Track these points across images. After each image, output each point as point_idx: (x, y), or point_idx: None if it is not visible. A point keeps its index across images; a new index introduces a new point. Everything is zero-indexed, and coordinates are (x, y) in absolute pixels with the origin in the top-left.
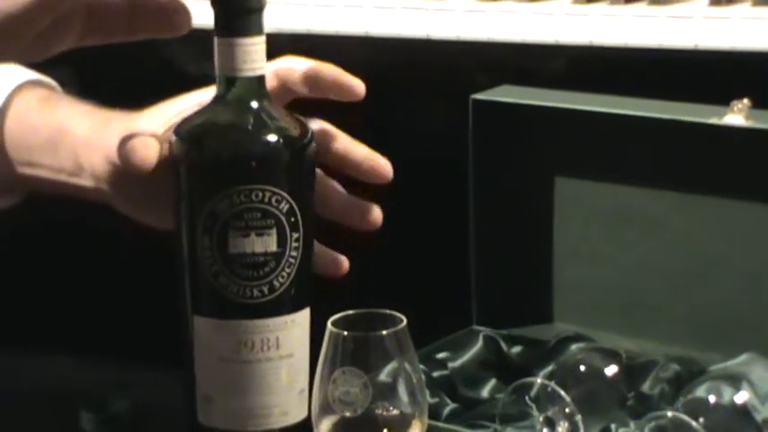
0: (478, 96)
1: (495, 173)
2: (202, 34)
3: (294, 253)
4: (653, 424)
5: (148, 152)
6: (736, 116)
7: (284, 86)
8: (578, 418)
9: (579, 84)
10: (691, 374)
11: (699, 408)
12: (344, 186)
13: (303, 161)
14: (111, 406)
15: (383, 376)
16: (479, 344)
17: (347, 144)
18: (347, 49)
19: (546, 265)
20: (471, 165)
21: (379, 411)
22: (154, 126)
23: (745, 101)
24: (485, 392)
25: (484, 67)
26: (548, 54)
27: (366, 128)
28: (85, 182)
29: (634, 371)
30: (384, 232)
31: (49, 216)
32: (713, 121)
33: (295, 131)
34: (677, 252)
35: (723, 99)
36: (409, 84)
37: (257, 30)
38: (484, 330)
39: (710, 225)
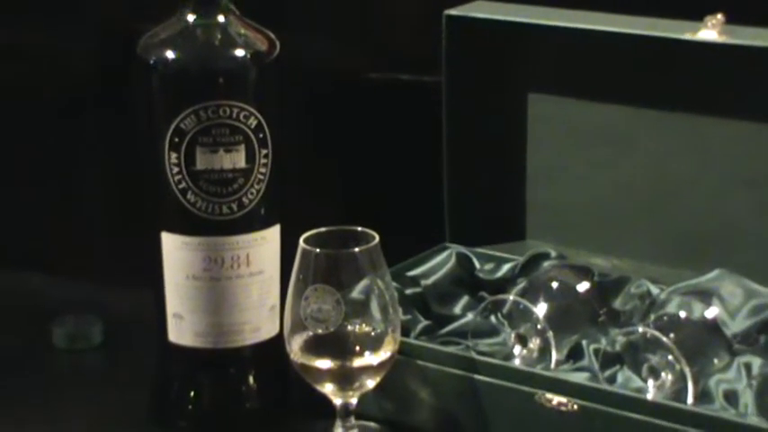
0: (452, 12)
1: (469, 90)
2: None
3: (263, 169)
4: (624, 340)
5: None
6: (710, 31)
7: None
8: (550, 334)
9: (554, 0)
10: (661, 291)
11: (670, 323)
12: None
13: (271, 76)
14: (83, 324)
15: (356, 293)
16: (452, 261)
17: None
18: None
19: (518, 182)
20: (444, 82)
21: (351, 328)
22: None
23: (719, 16)
24: (457, 309)
25: None
26: None
27: (342, 42)
28: None
29: (606, 288)
30: (357, 149)
31: (33, 141)
32: (687, 36)
33: (262, 46)
34: (649, 170)
35: (697, 14)
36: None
37: None
38: (456, 248)
39: (683, 143)
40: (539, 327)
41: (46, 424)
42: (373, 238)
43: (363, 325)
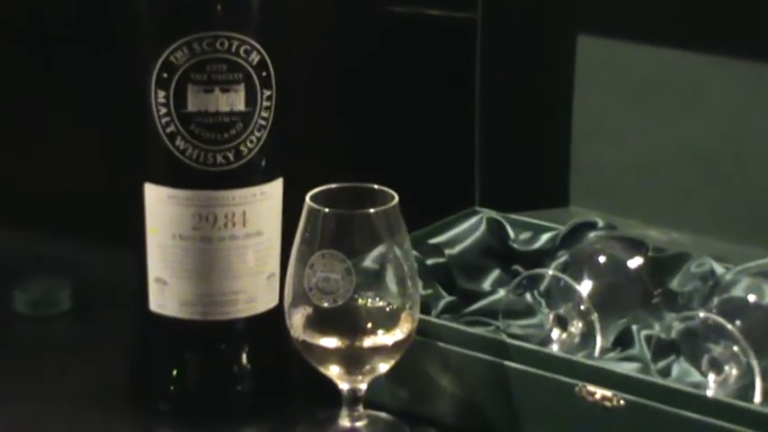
0: None
1: (508, 32)
2: None
3: (265, 114)
4: (682, 326)
5: None
6: None
7: None
8: (594, 317)
9: None
10: (727, 271)
11: (735, 308)
12: None
13: (277, 5)
14: (49, 287)
15: (369, 262)
16: (482, 228)
17: None
18: None
19: (562, 139)
20: (479, 19)
21: (362, 302)
22: None
23: None
24: (486, 285)
25: None
26: None
27: None
28: None
29: (661, 264)
30: (375, 94)
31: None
32: None
33: None
34: (717, 128)
35: None
36: None
37: None
38: (487, 213)
39: (758, 96)
40: (581, 307)
41: (1, 403)
42: (392, 197)
43: (377, 299)
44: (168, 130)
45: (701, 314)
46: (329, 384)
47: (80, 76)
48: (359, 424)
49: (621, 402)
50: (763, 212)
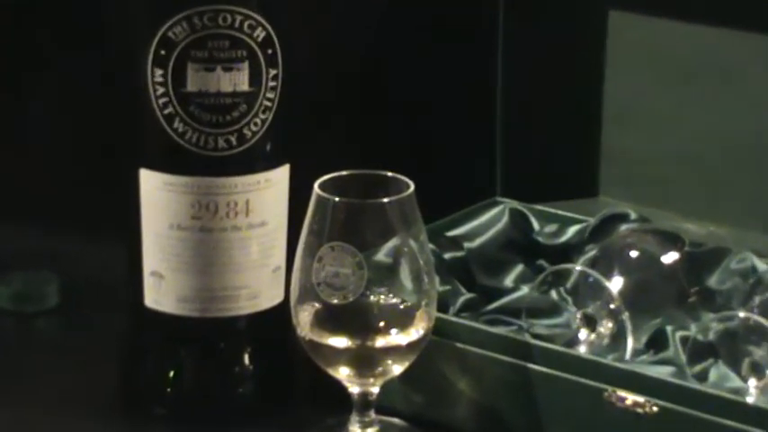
0: None
1: (533, 6)
2: None
3: (271, 94)
4: (721, 327)
5: None
6: None
7: None
8: (625, 316)
9: None
10: None
11: None
12: None
13: None
14: (34, 281)
15: (382, 255)
16: (504, 220)
17: None
18: None
19: (591, 124)
20: None
21: (374, 299)
22: None
23: None
24: (509, 281)
25: None
26: None
27: None
28: None
29: (698, 260)
30: (388, 73)
31: None
32: None
33: None
34: (758, 114)
35: None
36: None
37: None
38: (510, 203)
39: None
40: (611, 306)
41: None
42: (407, 186)
43: (390, 295)
44: (166, 111)
45: (741, 314)
46: (338, 387)
47: (62, 48)
48: (370, 430)
49: (654, 409)
50: None
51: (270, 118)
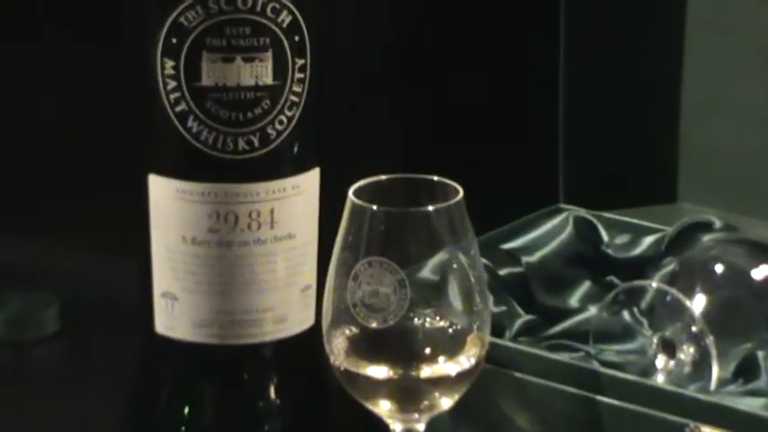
0: None
1: None
2: None
3: (298, 88)
4: None
5: None
6: None
7: None
8: (710, 339)
9: None
10: None
11: None
12: None
13: None
14: (31, 304)
15: (427, 272)
16: (568, 230)
17: None
18: None
19: (667, 120)
20: None
21: (418, 322)
22: None
23: None
24: (574, 300)
25: None
26: None
27: None
28: None
29: None
30: (433, 66)
31: None
32: None
33: None
34: None
35: None
36: None
37: None
38: (574, 211)
39: None
40: (693, 329)
41: None
42: (456, 192)
43: (437, 318)
44: (178, 108)
45: None
46: (378, 424)
47: (61, 43)
48: None
49: None
50: None
51: (297, 115)
